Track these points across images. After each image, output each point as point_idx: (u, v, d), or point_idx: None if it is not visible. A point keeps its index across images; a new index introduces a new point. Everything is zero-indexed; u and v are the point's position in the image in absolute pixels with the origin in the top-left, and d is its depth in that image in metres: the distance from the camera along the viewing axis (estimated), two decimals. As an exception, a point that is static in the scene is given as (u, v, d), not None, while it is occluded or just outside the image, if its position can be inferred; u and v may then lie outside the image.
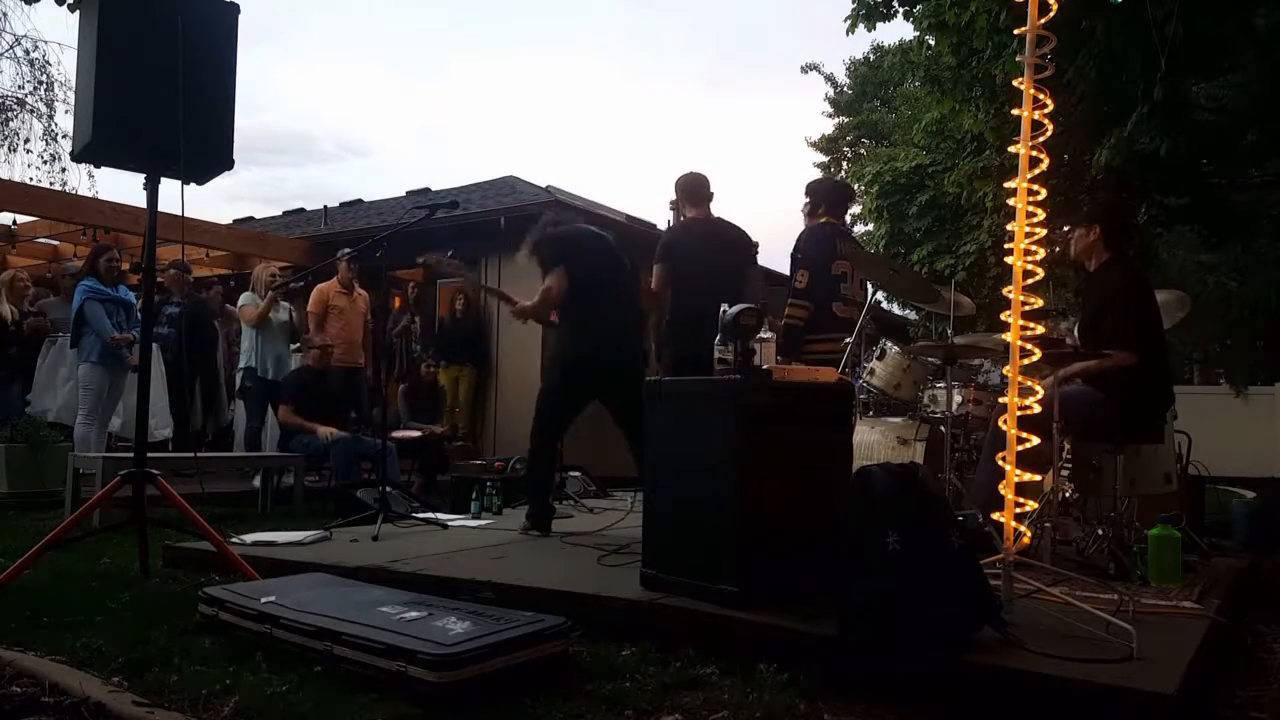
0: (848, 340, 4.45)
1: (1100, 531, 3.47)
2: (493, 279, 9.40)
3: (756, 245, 4.96)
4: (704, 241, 4.59)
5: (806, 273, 4.60)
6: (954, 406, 4.39)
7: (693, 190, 4.71)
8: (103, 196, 10.77)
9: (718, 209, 4.73)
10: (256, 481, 6.34)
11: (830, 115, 26.48)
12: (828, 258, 4.63)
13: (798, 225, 4.99)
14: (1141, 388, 3.56)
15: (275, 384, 6.82)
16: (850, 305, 4.66)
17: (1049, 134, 2.69)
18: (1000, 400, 3.42)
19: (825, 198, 4.90)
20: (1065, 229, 3.93)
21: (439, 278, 4.72)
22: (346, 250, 7.13)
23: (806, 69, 26.67)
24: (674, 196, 4.88)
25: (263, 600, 2.65)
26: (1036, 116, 2.67)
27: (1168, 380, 3.82)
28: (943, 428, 4.23)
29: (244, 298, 7.25)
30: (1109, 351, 3.52)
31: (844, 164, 24.63)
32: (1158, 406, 3.71)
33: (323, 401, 6.36)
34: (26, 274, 7.98)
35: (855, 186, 17.25)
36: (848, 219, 5.19)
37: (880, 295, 4.83)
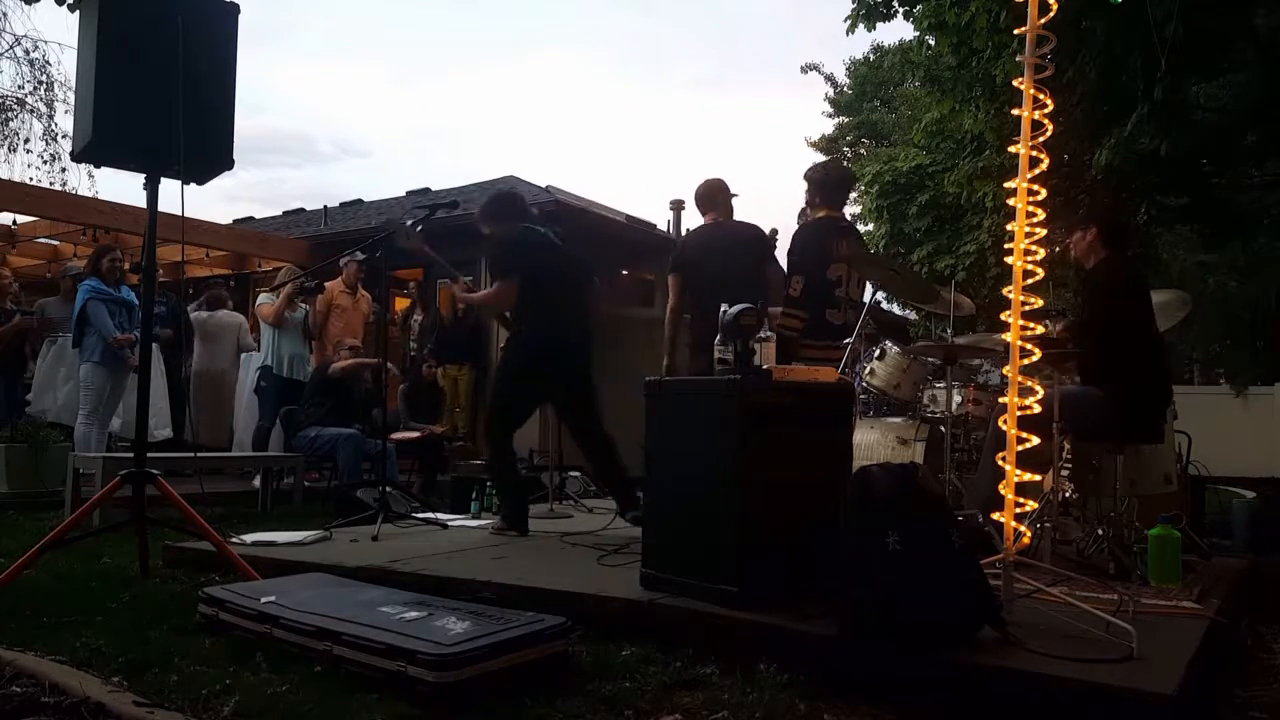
0: (847, 341, 4.43)
1: (1100, 531, 3.47)
2: (492, 279, 9.38)
3: (775, 237, 4.90)
4: (714, 244, 4.57)
5: (800, 280, 4.40)
6: (954, 406, 4.38)
7: (706, 197, 4.72)
8: (103, 196, 10.79)
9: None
10: (256, 481, 6.34)
11: (830, 115, 26.50)
12: (822, 261, 4.44)
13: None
14: (1139, 387, 3.57)
15: (291, 381, 6.83)
16: (844, 310, 4.52)
17: (1049, 134, 2.68)
18: (1000, 400, 3.42)
19: (820, 188, 4.66)
20: (1066, 233, 3.93)
21: (405, 254, 4.71)
22: (356, 251, 7.15)
23: (806, 69, 26.69)
24: (675, 197, 4.90)
25: (263, 600, 2.65)
26: (1036, 116, 2.67)
27: (1166, 379, 3.82)
28: (943, 428, 4.23)
29: (263, 297, 7.27)
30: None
31: (844, 164, 24.61)
32: (1157, 406, 3.71)
33: (348, 400, 6.36)
34: (9, 272, 7.93)
35: (855, 186, 17.25)
36: (848, 214, 5.07)
37: (880, 295, 4.78)
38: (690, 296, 4.56)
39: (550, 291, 4.33)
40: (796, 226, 4.79)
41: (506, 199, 4.78)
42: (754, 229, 4.72)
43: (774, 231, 4.90)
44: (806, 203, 4.76)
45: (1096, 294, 3.72)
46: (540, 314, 4.33)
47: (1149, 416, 3.65)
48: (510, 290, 4.35)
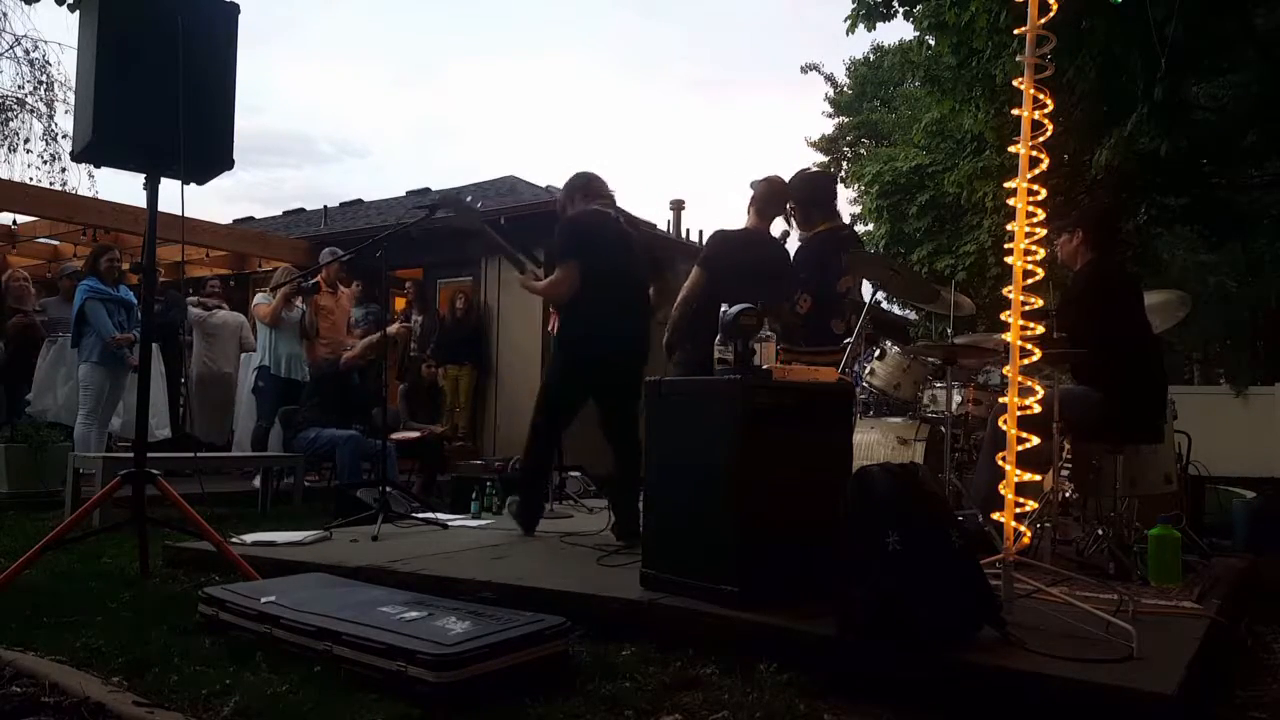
0: (847, 341, 4.43)
1: (1100, 531, 3.47)
2: (492, 279, 9.41)
3: (785, 239, 4.80)
4: (742, 253, 4.39)
5: (810, 298, 4.29)
6: (954, 406, 4.38)
7: (769, 200, 4.48)
8: (103, 196, 10.79)
9: (726, 212, 4.64)
10: (256, 481, 6.34)
11: (830, 115, 26.53)
12: (834, 276, 4.35)
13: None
14: (1132, 387, 3.56)
15: (288, 381, 6.83)
16: (847, 318, 4.45)
17: (1049, 134, 2.68)
18: (1000, 400, 3.42)
19: (814, 199, 4.52)
20: (1054, 235, 3.92)
21: (462, 231, 4.52)
22: (336, 250, 7.15)
23: (806, 69, 26.73)
24: (675, 197, 4.78)
25: (263, 600, 2.65)
26: (1036, 116, 2.67)
27: (1162, 377, 3.82)
28: (943, 428, 4.23)
29: (259, 297, 7.27)
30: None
31: (844, 164, 24.63)
32: (1154, 405, 3.71)
33: (348, 399, 6.35)
34: (26, 274, 7.94)
35: (855, 186, 17.28)
36: (847, 217, 5.00)
37: (880, 295, 4.77)
38: (706, 301, 4.42)
39: (613, 287, 4.08)
40: (799, 240, 4.67)
41: (584, 177, 4.41)
42: (786, 255, 4.53)
43: (784, 234, 4.85)
44: (801, 219, 4.54)
45: (1080, 295, 3.71)
46: (597, 308, 4.07)
47: (1146, 416, 3.65)
48: (571, 276, 4.06)
